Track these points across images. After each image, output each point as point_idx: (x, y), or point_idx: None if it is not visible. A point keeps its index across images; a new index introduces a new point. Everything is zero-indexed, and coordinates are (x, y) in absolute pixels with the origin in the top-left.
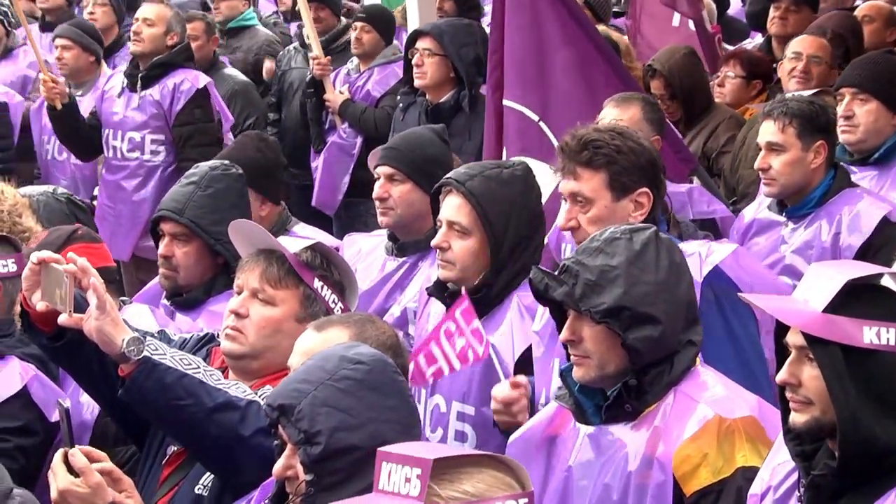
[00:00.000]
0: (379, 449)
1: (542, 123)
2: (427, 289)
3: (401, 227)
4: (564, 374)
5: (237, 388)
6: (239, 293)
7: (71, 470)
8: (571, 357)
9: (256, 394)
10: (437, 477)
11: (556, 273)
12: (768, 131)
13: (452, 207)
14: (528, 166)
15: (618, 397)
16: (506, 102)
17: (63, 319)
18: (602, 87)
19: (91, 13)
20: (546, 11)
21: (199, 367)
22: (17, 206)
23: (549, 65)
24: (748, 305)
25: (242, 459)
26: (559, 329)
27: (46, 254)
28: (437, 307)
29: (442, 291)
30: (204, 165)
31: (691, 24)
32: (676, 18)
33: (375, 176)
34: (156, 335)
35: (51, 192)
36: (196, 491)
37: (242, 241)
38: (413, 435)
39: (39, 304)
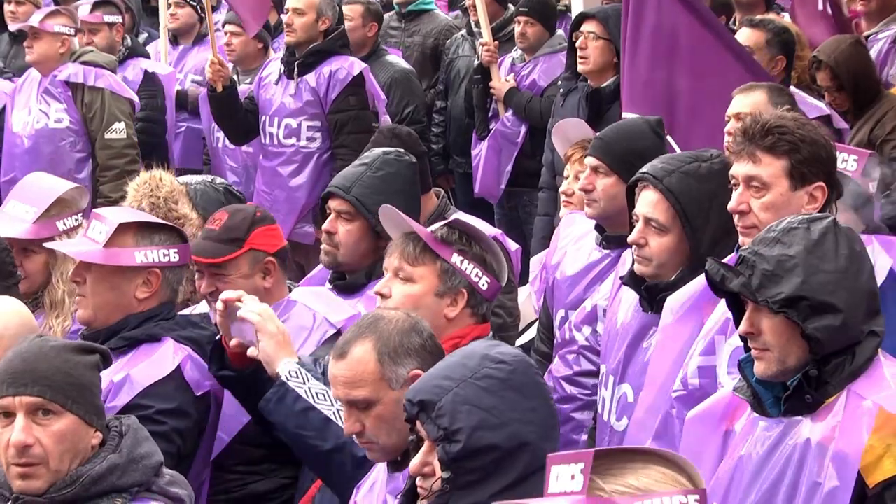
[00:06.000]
0: (549, 455)
1: (668, 136)
2: (621, 277)
3: (604, 219)
4: (742, 366)
5: None
6: (385, 275)
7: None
8: (752, 351)
9: None
10: (602, 472)
11: (734, 264)
12: None
13: (649, 204)
14: (727, 159)
15: (798, 388)
16: (626, 114)
17: (251, 352)
18: (732, 84)
19: None
20: (670, 15)
21: (333, 405)
22: (173, 193)
23: (676, 72)
24: None
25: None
26: (737, 322)
27: (228, 295)
28: (629, 296)
29: (638, 283)
30: (378, 150)
31: (829, 7)
32: (821, 2)
33: (574, 166)
34: (313, 364)
35: (209, 181)
36: None
37: (392, 227)
38: (552, 438)
39: (232, 342)
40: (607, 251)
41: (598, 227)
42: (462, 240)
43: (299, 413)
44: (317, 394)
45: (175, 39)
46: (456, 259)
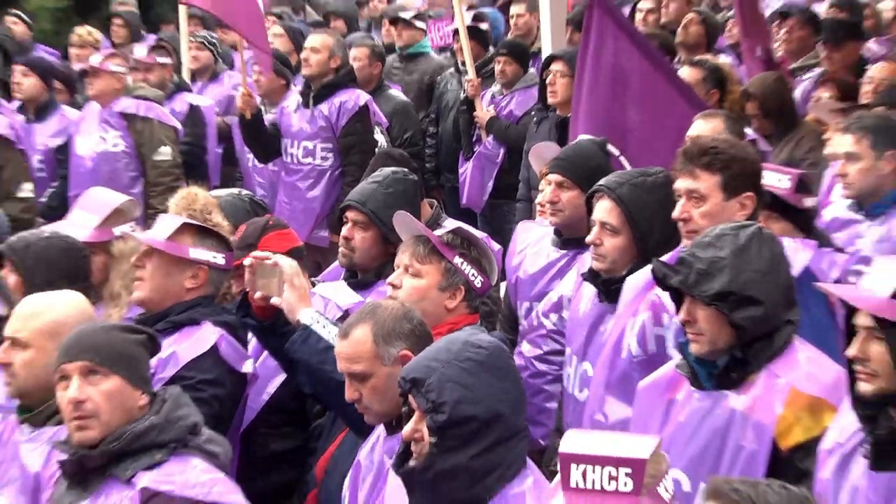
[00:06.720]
0: (561, 451)
1: (622, 158)
2: (582, 274)
3: (566, 225)
4: (683, 347)
5: None
6: (397, 270)
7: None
8: (688, 335)
9: None
10: None
11: (674, 264)
12: (846, 143)
13: (604, 210)
14: (668, 174)
15: (726, 367)
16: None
17: (275, 301)
18: (672, 108)
19: (269, 43)
20: (626, 58)
21: None
22: (207, 205)
23: (629, 106)
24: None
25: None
26: (678, 310)
27: (256, 254)
28: (588, 289)
29: (595, 278)
30: (387, 170)
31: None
32: (759, 49)
33: (546, 182)
34: (332, 320)
35: (236, 193)
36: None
37: (404, 230)
38: (522, 411)
39: (257, 295)
40: (564, 251)
41: (557, 232)
42: (464, 245)
43: (322, 351)
44: (334, 336)
45: (193, 77)
46: (458, 260)
